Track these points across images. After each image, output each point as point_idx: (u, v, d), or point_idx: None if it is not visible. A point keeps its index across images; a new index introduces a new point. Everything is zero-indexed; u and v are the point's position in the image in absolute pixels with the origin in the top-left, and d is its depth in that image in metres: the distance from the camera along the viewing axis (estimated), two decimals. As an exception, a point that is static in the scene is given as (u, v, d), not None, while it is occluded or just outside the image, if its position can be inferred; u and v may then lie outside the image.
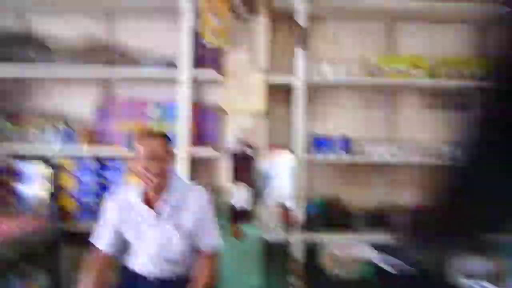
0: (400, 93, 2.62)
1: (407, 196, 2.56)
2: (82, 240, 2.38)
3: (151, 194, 1.62)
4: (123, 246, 1.70)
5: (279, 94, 2.57)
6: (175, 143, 1.75)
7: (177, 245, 1.62)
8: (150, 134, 1.64)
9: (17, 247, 1.85)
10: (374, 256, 2.10)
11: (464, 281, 2.35)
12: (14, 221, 1.95)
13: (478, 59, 2.39)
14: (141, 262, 1.66)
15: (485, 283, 2.32)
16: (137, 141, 1.60)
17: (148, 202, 1.63)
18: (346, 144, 2.37)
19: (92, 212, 2.36)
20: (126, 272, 1.72)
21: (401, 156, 2.38)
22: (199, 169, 2.54)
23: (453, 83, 2.37)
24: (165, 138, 1.65)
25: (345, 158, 2.37)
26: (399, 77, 2.38)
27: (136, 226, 1.63)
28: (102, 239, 1.65)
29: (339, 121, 2.60)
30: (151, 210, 1.61)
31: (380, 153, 2.38)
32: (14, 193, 2.34)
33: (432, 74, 2.42)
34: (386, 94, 2.60)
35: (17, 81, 2.61)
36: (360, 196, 2.59)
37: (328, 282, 2.04)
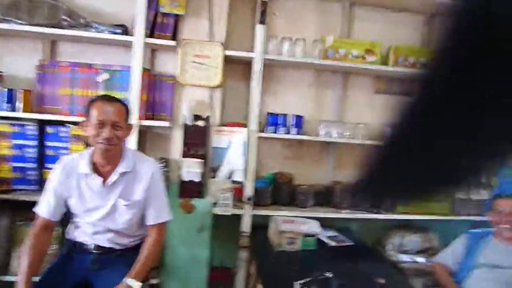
0: (353, 76, 2.70)
1: (352, 174, 2.70)
2: (18, 209, 2.27)
3: (102, 162, 1.57)
4: (67, 214, 1.65)
5: (236, 69, 2.55)
6: (132, 114, 1.68)
7: (123, 215, 1.59)
8: (108, 99, 1.56)
9: None
10: (317, 231, 2.21)
11: (399, 255, 2.57)
12: None
13: (426, 49, 2.52)
14: (85, 232, 1.62)
15: (417, 257, 2.55)
16: (94, 105, 1.52)
17: (97, 171, 1.58)
18: (298, 122, 2.42)
19: (31, 181, 2.24)
20: (69, 242, 1.67)
21: (348, 136, 2.48)
22: (150, 141, 2.48)
23: (402, 70, 2.48)
24: (124, 106, 1.59)
25: (296, 136, 2.42)
26: (353, 61, 2.45)
27: (82, 195, 1.59)
28: (45, 206, 1.59)
29: (293, 99, 2.64)
30: (100, 179, 1.56)
31: (329, 133, 2.46)
32: None
33: (384, 61, 2.52)
34: (339, 76, 2.66)
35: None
36: (309, 174, 2.68)
37: (273, 254, 2.12)
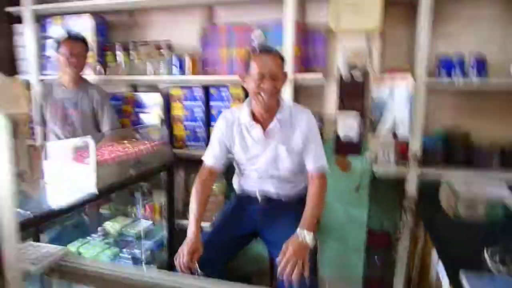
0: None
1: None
2: (190, 163, 2.54)
3: (261, 113, 1.60)
4: (230, 169, 1.74)
5: (396, 11, 2.22)
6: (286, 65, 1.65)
7: (285, 162, 1.60)
8: (266, 51, 1.56)
9: (139, 168, 2.01)
10: (507, 194, 1.80)
11: None
12: (136, 146, 2.11)
13: None
14: (250, 181, 1.68)
15: None
16: (253, 57, 1.54)
17: (257, 121, 1.62)
18: (480, 65, 1.97)
19: (199, 138, 2.47)
20: (236, 194, 1.77)
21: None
22: (305, 96, 2.42)
23: None
24: (280, 57, 1.58)
25: (476, 82, 1.98)
26: None
27: (244, 143, 1.65)
28: (210, 155, 1.70)
29: (471, 41, 2.16)
30: (261, 128, 1.59)
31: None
32: (134, 121, 2.55)
33: None
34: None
35: (124, 12, 2.72)
36: (491, 130, 2.20)
37: (447, 221, 1.82)
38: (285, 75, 1.61)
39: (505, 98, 2.18)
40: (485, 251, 1.42)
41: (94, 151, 1.60)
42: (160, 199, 2.40)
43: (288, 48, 2.14)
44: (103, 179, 1.66)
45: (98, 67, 2.57)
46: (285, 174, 1.64)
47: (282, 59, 1.58)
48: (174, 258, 1.47)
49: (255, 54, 1.55)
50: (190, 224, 1.52)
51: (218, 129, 1.70)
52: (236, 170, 1.79)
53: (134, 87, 2.75)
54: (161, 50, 2.50)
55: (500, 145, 2.09)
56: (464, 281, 1.22)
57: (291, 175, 1.65)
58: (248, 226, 1.64)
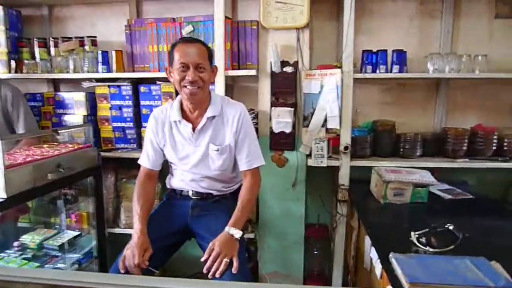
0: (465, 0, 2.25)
1: (469, 118, 2.30)
2: (121, 167, 2.39)
3: (190, 108, 1.54)
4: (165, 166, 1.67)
5: (322, 8, 2.30)
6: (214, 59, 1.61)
7: (215, 161, 1.54)
8: (189, 41, 1.52)
9: (60, 173, 1.85)
10: (431, 180, 1.92)
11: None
12: (57, 149, 1.94)
13: None
14: (183, 180, 1.62)
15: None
16: (175, 48, 1.48)
17: (187, 118, 1.56)
18: (400, 59, 2.09)
19: (130, 139, 2.33)
20: (169, 190, 1.69)
21: (464, 72, 2.08)
22: (239, 93, 2.39)
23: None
24: (206, 47, 1.52)
25: (398, 74, 2.10)
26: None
27: (174, 143, 1.59)
28: (145, 157, 1.65)
29: (391, 36, 2.30)
30: (189, 125, 1.53)
31: (440, 69, 2.09)
32: (56, 123, 2.34)
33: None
34: (448, 2, 2.24)
35: (49, 6, 2.52)
36: (413, 121, 2.35)
37: (378, 207, 1.90)
38: (214, 68, 1.56)
39: (424, 89, 2.35)
40: (412, 233, 1.49)
41: (2, 152, 1.42)
42: (88, 206, 2.22)
43: (219, 43, 2.10)
44: (14, 184, 1.50)
45: (13, 64, 2.32)
46: (217, 174, 1.58)
47: (208, 50, 1.52)
48: (120, 261, 1.38)
49: (177, 44, 1.50)
50: (135, 224, 1.46)
51: (149, 129, 1.64)
52: (170, 169, 1.72)
53: (56, 86, 2.54)
54: (85, 47, 2.33)
55: (422, 135, 2.22)
56: (394, 263, 1.25)
57: (224, 174, 1.60)
58: (180, 221, 1.57)
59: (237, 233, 1.41)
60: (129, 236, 1.46)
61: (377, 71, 2.10)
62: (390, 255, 1.30)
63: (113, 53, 2.26)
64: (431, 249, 1.39)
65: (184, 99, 1.53)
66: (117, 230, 2.34)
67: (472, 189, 2.10)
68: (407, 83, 2.32)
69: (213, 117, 1.54)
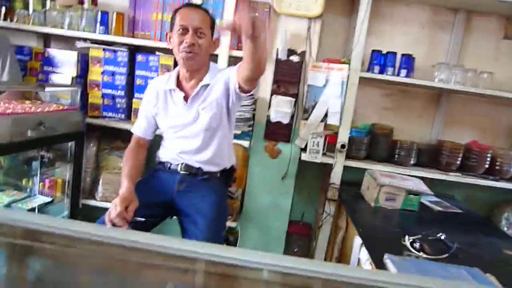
0: (477, 16, 2.24)
1: (465, 134, 2.30)
2: (106, 136, 2.26)
3: (186, 75, 1.48)
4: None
5: (338, 1, 2.25)
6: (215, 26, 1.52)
7: (203, 118, 1.46)
8: (192, 6, 1.47)
9: (40, 131, 1.72)
10: (424, 189, 1.90)
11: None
12: (40, 107, 1.81)
13: None
14: (173, 150, 1.54)
15: None
16: (178, 12, 1.43)
17: (182, 87, 1.50)
18: (409, 63, 2.06)
19: (119, 109, 2.20)
20: (159, 162, 1.60)
21: (468, 86, 2.07)
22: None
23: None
24: (209, 15, 1.47)
25: (405, 79, 2.06)
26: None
27: (167, 110, 1.53)
28: (138, 125, 1.60)
29: (401, 41, 2.26)
30: (181, 93, 1.48)
31: (446, 79, 2.07)
32: (42, 80, 2.19)
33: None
34: (461, 15, 2.22)
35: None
36: (411, 129, 2.33)
37: (369, 210, 1.85)
38: (216, 40, 1.49)
39: (426, 100, 2.33)
40: (406, 238, 1.45)
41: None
42: (64, 173, 2.09)
43: (226, 19, 2.01)
44: (-10, 134, 1.36)
45: (3, 10, 2.15)
46: (209, 155, 1.50)
47: (211, 18, 1.47)
48: (106, 215, 1.30)
49: (180, 8, 1.44)
50: (123, 183, 1.38)
51: (146, 96, 1.58)
52: (162, 142, 1.62)
53: (46, 43, 2.38)
54: (84, 5, 2.19)
55: (418, 144, 2.20)
56: (390, 264, 1.22)
57: (216, 154, 1.51)
58: (164, 194, 1.49)
59: None
60: (105, 210, 1.35)
61: (385, 73, 2.06)
62: (385, 256, 1.26)
63: (114, 14, 2.12)
64: (424, 255, 1.36)
65: (181, 66, 1.47)
66: (92, 202, 2.20)
67: (459, 204, 2.09)
68: (409, 90, 2.29)
69: (207, 85, 1.47)
